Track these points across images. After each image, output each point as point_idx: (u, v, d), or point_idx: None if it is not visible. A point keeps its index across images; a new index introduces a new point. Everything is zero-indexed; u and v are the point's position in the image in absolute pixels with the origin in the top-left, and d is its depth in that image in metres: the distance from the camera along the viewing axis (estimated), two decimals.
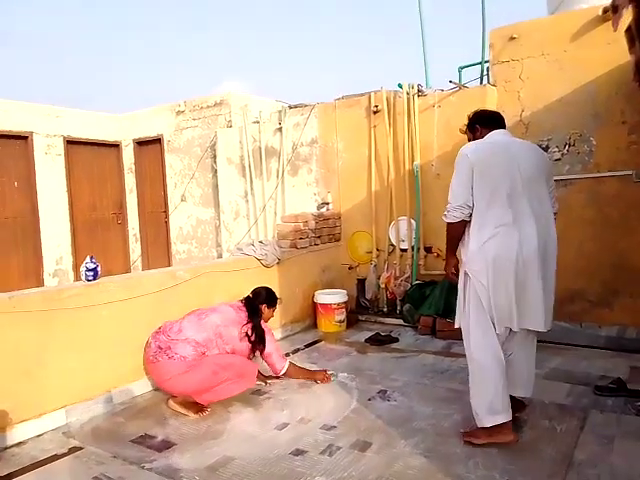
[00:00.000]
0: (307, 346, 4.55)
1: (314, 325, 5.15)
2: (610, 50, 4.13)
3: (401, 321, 5.10)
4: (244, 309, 3.42)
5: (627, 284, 4.30)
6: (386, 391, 3.37)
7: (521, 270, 2.56)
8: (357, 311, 5.53)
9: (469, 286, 2.69)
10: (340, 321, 5.02)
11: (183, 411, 3.12)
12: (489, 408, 2.55)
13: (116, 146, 8.27)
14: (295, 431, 2.84)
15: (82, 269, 3.23)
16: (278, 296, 3.72)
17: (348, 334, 4.90)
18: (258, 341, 3.35)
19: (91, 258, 3.26)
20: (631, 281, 4.28)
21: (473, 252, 2.63)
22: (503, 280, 2.56)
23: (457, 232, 2.72)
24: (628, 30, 3.26)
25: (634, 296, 4.28)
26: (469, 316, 2.68)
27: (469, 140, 2.94)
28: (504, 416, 2.54)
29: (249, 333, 3.33)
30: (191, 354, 3.10)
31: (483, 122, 2.88)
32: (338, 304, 5.01)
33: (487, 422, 2.55)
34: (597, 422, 2.80)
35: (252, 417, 3.07)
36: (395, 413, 3.03)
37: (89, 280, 3.22)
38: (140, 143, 8.16)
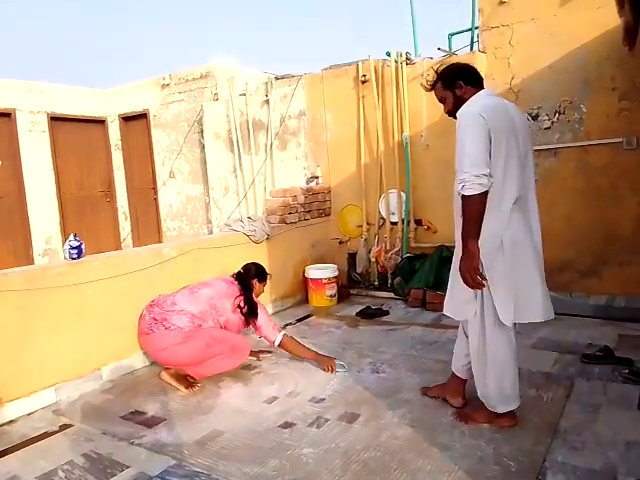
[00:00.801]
0: (298, 321, 4.56)
1: (305, 300, 5.15)
2: (600, 14, 4.03)
3: (392, 294, 5.11)
4: (236, 283, 3.43)
5: (616, 254, 4.30)
6: (375, 363, 3.39)
7: (537, 253, 2.37)
8: (348, 285, 5.53)
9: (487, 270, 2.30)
10: (331, 295, 5.02)
11: (175, 384, 3.14)
12: (505, 396, 2.44)
13: (102, 122, 8.12)
14: (284, 404, 2.86)
15: (65, 247, 3.19)
16: (268, 272, 3.69)
17: (339, 308, 4.91)
18: (250, 313, 3.34)
19: (74, 236, 3.22)
20: (620, 250, 4.28)
21: (493, 234, 2.27)
22: (526, 265, 2.31)
23: (481, 207, 2.20)
24: None
25: (623, 265, 4.29)
26: (479, 309, 2.38)
27: (442, 99, 2.54)
28: (516, 403, 2.48)
29: (241, 305, 3.32)
30: (187, 325, 3.12)
31: (468, 78, 2.46)
32: (329, 279, 5.00)
33: (501, 409, 2.46)
34: (583, 390, 2.83)
35: (242, 392, 3.08)
36: (383, 385, 3.05)
37: (73, 258, 3.19)
38: (126, 119, 8.02)
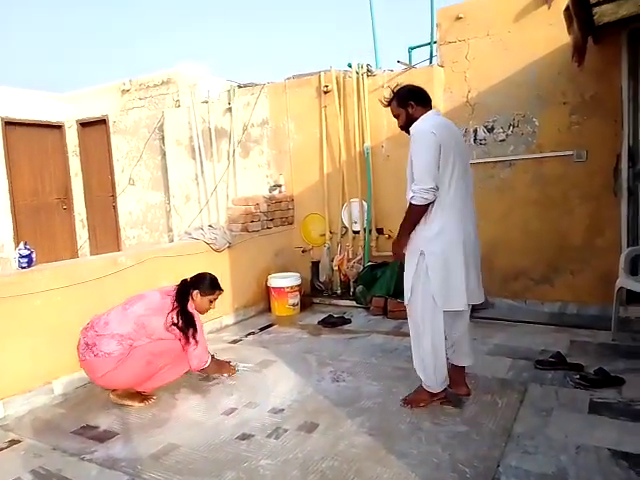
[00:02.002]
0: (261, 330, 4.52)
1: (268, 309, 5.12)
2: (552, 31, 4.21)
3: (354, 303, 5.14)
4: (173, 295, 3.08)
5: (567, 262, 4.46)
6: (335, 372, 3.39)
7: (468, 251, 2.72)
8: (311, 294, 5.53)
9: (424, 267, 2.69)
10: (294, 304, 5.01)
11: (127, 402, 3.02)
12: (439, 378, 2.77)
13: (59, 127, 7.90)
14: (242, 416, 2.82)
15: (15, 256, 3.08)
16: (217, 285, 3.26)
17: (302, 317, 4.90)
18: (187, 324, 2.99)
19: (25, 244, 3.11)
20: (571, 259, 4.44)
21: (436, 234, 2.66)
22: (459, 261, 2.67)
23: (421, 215, 2.67)
24: (566, 10, 3.31)
25: (574, 273, 4.45)
26: (423, 296, 2.71)
27: (396, 116, 2.87)
28: (447, 382, 2.83)
29: (174, 319, 2.98)
30: (116, 349, 2.87)
31: (419, 99, 2.80)
32: (291, 287, 4.98)
33: (437, 389, 2.80)
34: (536, 395, 2.89)
35: (199, 403, 3.03)
36: (343, 393, 3.04)
37: (23, 267, 3.07)
38: (84, 124, 7.82)
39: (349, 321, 4.62)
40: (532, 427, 2.53)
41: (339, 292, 5.43)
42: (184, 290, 3.13)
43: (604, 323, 3.90)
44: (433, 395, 2.82)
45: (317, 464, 2.29)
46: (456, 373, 2.94)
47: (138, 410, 2.96)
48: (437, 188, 2.61)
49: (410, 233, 2.74)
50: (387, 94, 2.95)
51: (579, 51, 3.69)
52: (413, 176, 2.68)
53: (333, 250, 5.47)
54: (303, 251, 5.66)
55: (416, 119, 2.77)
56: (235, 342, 4.20)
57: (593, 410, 2.67)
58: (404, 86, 2.92)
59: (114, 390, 3.06)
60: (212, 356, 3.27)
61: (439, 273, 2.66)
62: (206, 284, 3.18)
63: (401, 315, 4.56)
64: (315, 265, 5.60)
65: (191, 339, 3.00)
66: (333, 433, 2.57)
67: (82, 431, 2.74)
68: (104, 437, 2.65)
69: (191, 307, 3.10)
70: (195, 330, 3.03)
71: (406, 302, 2.82)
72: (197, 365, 3.09)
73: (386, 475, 2.19)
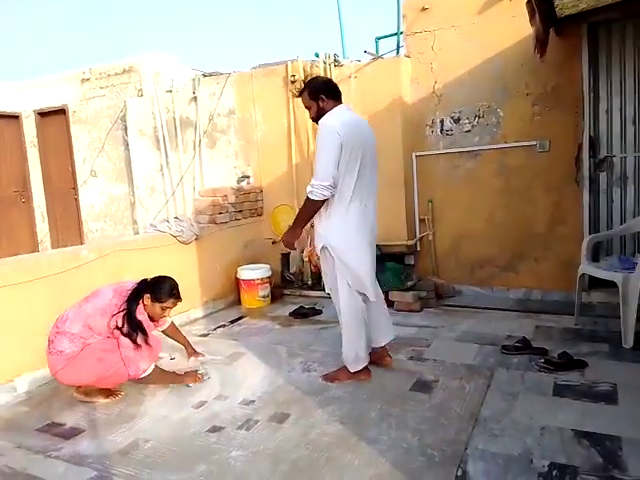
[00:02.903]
0: (231, 322, 4.48)
1: (238, 301, 5.08)
2: (515, 23, 4.27)
3: (325, 293, 5.12)
4: (126, 294, 2.93)
5: (531, 249, 4.58)
6: (306, 362, 3.39)
7: (370, 242, 2.96)
8: (282, 285, 5.50)
9: (335, 258, 2.89)
10: (264, 296, 4.98)
11: (90, 399, 2.94)
12: (357, 357, 2.99)
13: (16, 117, 7.59)
14: (212, 409, 2.79)
15: None
16: (173, 292, 3.03)
17: (272, 309, 4.88)
18: (130, 331, 2.84)
19: None
20: (535, 247, 4.56)
21: (338, 227, 2.83)
22: (364, 252, 2.90)
23: (317, 209, 2.82)
24: (529, 2, 3.37)
25: (538, 260, 4.57)
26: (339, 283, 2.91)
27: (308, 107, 2.97)
28: (365, 361, 3.02)
29: (118, 322, 2.84)
30: (68, 347, 2.82)
31: (331, 93, 2.91)
32: (262, 279, 4.95)
33: (356, 367, 3.00)
34: (503, 380, 2.96)
35: (168, 398, 2.97)
36: (314, 384, 3.05)
37: None
38: (42, 114, 7.53)
39: (320, 312, 4.63)
40: (499, 411, 2.59)
41: (310, 283, 5.42)
42: (138, 292, 2.94)
43: (567, 308, 4.02)
44: (352, 374, 3.02)
45: (288, 454, 2.29)
46: (379, 347, 3.19)
47: (105, 406, 2.89)
48: (335, 185, 2.74)
49: (304, 226, 2.91)
50: (299, 85, 3.00)
51: (541, 43, 3.76)
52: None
53: (303, 241, 5.45)
54: (273, 242, 5.63)
55: (326, 112, 2.86)
56: (205, 335, 4.15)
57: (557, 393, 2.75)
58: (316, 78, 3.06)
59: (78, 387, 2.98)
60: (156, 366, 3.06)
61: (347, 262, 2.86)
62: (160, 290, 2.96)
63: None
64: (285, 256, 5.57)
65: (134, 345, 2.85)
66: (304, 423, 2.57)
67: (47, 428, 2.66)
68: (70, 434, 2.59)
69: (140, 312, 2.91)
70: (144, 335, 2.88)
71: (328, 291, 3.06)
72: (133, 373, 2.90)
73: (357, 462, 2.20)
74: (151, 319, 3.03)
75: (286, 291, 5.40)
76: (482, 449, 2.25)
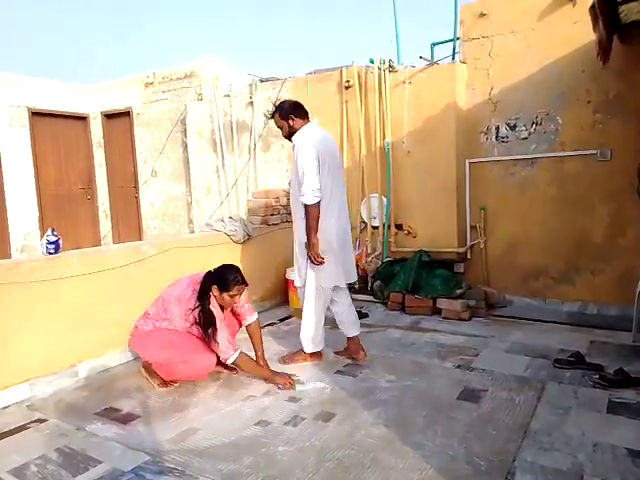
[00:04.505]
0: (280, 321, 4.57)
1: (285, 301, 5.16)
2: (577, 29, 4.16)
3: (372, 297, 5.15)
4: (196, 287, 3.08)
5: (588, 261, 4.42)
6: (352, 364, 3.42)
7: (343, 242, 3.37)
8: None
9: (304, 254, 3.30)
10: None
11: (150, 379, 3.16)
12: (314, 341, 3.40)
13: (84, 118, 8.04)
14: (260, 403, 2.87)
15: (43, 242, 3.16)
16: (238, 280, 3.08)
17: None
18: (206, 325, 3.00)
19: (52, 231, 3.19)
20: (591, 258, 4.40)
21: (322, 230, 3.21)
22: (339, 251, 3.31)
23: (318, 211, 3.18)
24: (592, 8, 3.28)
25: (595, 273, 4.41)
26: (311, 278, 3.30)
27: (280, 127, 3.36)
28: (321, 345, 3.46)
29: (196, 318, 3.02)
30: (142, 324, 3.14)
31: (300, 113, 3.31)
32: None
33: (312, 349, 3.43)
34: (554, 393, 2.89)
35: (218, 391, 3.08)
36: (360, 385, 3.08)
37: (50, 253, 3.16)
38: (108, 116, 7.95)
39: (366, 315, 4.64)
40: (549, 424, 2.53)
41: (357, 287, 5.44)
42: (205, 286, 3.06)
43: (624, 324, 3.86)
44: (308, 356, 3.44)
45: (333, 452, 2.33)
46: (351, 342, 3.52)
47: (159, 395, 3.03)
48: (321, 189, 3.15)
49: (317, 232, 3.19)
50: (270, 108, 3.51)
51: (604, 49, 3.66)
52: (300, 180, 3.19)
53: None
54: None
55: (297, 130, 3.28)
56: None
57: (611, 410, 2.66)
58: (285, 101, 3.46)
59: (145, 362, 3.20)
60: (244, 354, 3.10)
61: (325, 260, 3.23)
62: (224, 280, 3.05)
63: (419, 311, 4.59)
64: None
65: (212, 338, 2.98)
66: (349, 423, 2.60)
67: (105, 413, 2.81)
68: (127, 419, 2.73)
69: (213, 305, 3.04)
70: (215, 329, 2.98)
71: (299, 284, 3.42)
72: (223, 357, 3.03)
73: (401, 465, 2.21)
74: (223, 309, 3.15)
75: None
76: (531, 461, 2.21)
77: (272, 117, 3.41)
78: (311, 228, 3.17)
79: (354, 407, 2.79)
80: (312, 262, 3.23)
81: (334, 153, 3.37)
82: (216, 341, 2.98)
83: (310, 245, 3.20)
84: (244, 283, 3.11)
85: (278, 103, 3.42)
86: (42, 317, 3.11)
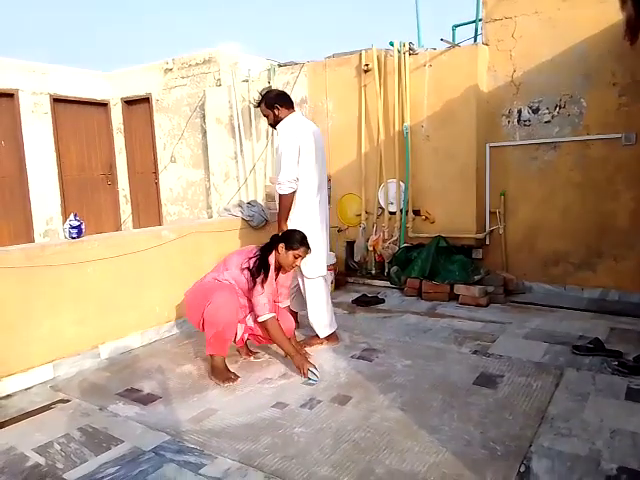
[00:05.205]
0: None
1: None
2: (602, 9, 4.05)
3: (388, 283, 5.15)
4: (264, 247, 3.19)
5: (610, 247, 4.35)
6: (368, 349, 3.44)
7: (324, 228, 3.51)
8: (345, 273, 5.57)
9: None
10: None
11: (213, 379, 3.02)
12: (327, 324, 3.50)
13: (104, 105, 8.12)
14: (277, 386, 2.91)
15: (66, 226, 3.23)
16: (306, 243, 3.14)
17: (336, 295, 4.94)
18: (257, 270, 3.02)
19: (75, 215, 3.25)
20: (614, 244, 4.32)
21: (302, 217, 3.37)
22: (320, 237, 3.44)
23: (290, 202, 3.35)
24: None
25: (617, 259, 4.33)
26: (311, 267, 3.42)
27: (266, 116, 3.47)
28: (335, 326, 3.56)
29: (250, 263, 3.05)
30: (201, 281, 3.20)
31: (285, 103, 3.42)
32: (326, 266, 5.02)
33: (327, 333, 3.51)
34: (572, 380, 2.87)
35: (236, 372, 3.11)
36: (375, 369, 3.09)
37: (73, 237, 3.22)
38: (129, 102, 8.01)
39: (383, 301, 4.65)
40: (567, 410, 2.52)
41: (373, 272, 5.45)
42: (271, 242, 3.18)
43: None
44: (325, 339, 3.53)
45: (350, 434, 2.35)
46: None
47: (179, 376, 3.09)
48: (297, 180, 3.28)
49: (287, 219, 3.38)
50: (257, 96, 3.62)
51: (632, 29, 3.54)
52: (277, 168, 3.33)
53: (368, 230, 5.49)
54: (339, 230, 5.70)
55: (282, 119, 3.40)
56: None
57: (630, 397, 2.63)
58: (271, 90, 3.61)
59: (212, 368, 3.08)
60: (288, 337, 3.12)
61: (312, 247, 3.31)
62: (293, 239, 3.13)
63: (436, 297, 4.57)
64: (350, 245, 5.63)
65: (258, 285, 3.01)
66: (365, 406, 2.62)
67: (127, 393, 2.88)
68: (147, 400, 2.79)
69: (272, 259, 3.12)
70: (265, 278, 3.04)
71: (308, 275, 3.45)
72: (257, 312, 3.02)
73: (417, 448, 2.23)
74: (279, 272, 3.20)
75: (349, 279, 5.46)
76: (548, 447, 2.21)
77: (258, 106, 3.54)
78: (282, 217, 3.37)
79: (370, 390, 2.81)
80: None
81: (318, 143, 3.45)
82: (258, 292, 3.00)
83: (279, 230, 3.38)
84: (310, 248, 3.21)
85: (264, 92, 3.55)
86: (65, 300, 3.18)
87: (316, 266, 3.43)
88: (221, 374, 3.01)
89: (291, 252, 3.11)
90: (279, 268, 3.19)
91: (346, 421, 2.48)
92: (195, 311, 3.06)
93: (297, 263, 3.19)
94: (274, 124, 3.47)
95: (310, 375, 2.92)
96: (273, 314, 3.04)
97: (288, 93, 3.65)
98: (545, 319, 3.97)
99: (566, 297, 4.50)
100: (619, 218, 4.29)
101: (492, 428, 2.37)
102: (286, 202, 3.33)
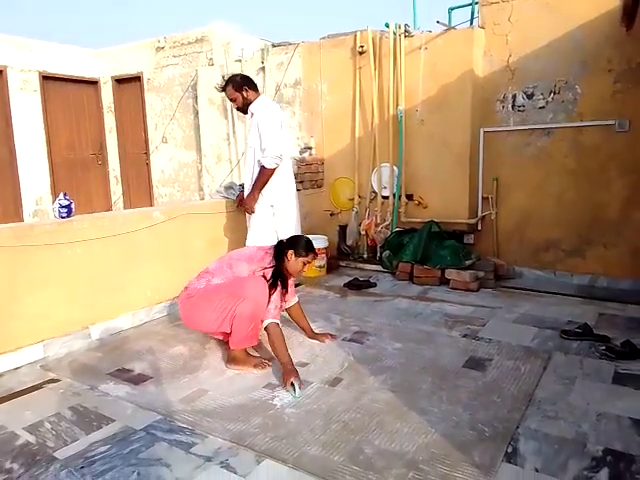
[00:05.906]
0: None
1: None
2: None
3: (380, 267, 5.16)
4: (270, 252, 3.12)
5: (601, 235, 4.38)
6: (359, 332, 3.46)
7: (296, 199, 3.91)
8: (338, 257, 5.57)
9: (270, 215, 3.72)
10: (320, 266, 5.07)
11: (241, 368, 2.93)
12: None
13: (94, 83, 7.98)
14: (268, 367, 2.92)
15: (55, 206, 3.19)
16: (312, 249, 3.16)
17: (328, 279, 4.96)
18: (272, 284, 2.99)
19: (64, 195, 3.21)
20: (605, 232, 4.36)
21: (284, 190, 3.69)
22: (295, 209, 3.83)
23: (270, 176, 3.56)
24: None
25: (607, 246, 4.37)
26: (268, 236, 3.62)
27: (233, 99, 3.64)
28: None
29: (267, 276, 2.99)
30: (199, 284, 3.02)
31: (252, 85, 3.62)
32: (319, 249, 4.99)
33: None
34: (560, 364, 2.90)
35: (227, 353, 3.12)
36: (366, 352, 3.11)
37: (62, 217, 3.19)
38: (119, 81, 7.88)
39: (374, 285, 4.66)
40: (554, 393, 2.55)
41: (365, 256, 5.46)
42: (280, 250, 3.11)
43: (635, 297, 3.85)
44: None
45: (340, 415, 2.37)
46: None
47: (170, 357, 3.09)
48: (282, 157, 3.51)
49: (261, 190, 3.61)
50: (220, 82, 3.73)
51: (629, 15, 3.53)
52: (261, 145, 3.52)
53: (361, 214, 5.48)
54: (331, 214, 5.69)
55: (252, 101, 3.59)
56: None
57: (617, 381, 2.67)
58: (236, 74, 3.71)
59: (229, 356, 3.02)
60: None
61: (284, 215, 3.71)
62: (301, 246, 3.10)
63: (428, 281, 4.59)
64: (342, 229, 5.63)
65: (272, 295, 2.96)
66: (356, 388, 2.64)
67: (117, 373, 2.88)
68: (138, 380, 2.79)
69: (284, 268, 3.10)
70: (286, 290, 3.08)
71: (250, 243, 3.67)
72: (263, 316, 2.94)
73: (406, 429, 2.25)
74: (288, 278, 3.15)
75: (342, 263, 5.46)
76: (535, 429, 2.24)
77: (223, 90, 3.65)
78: (257, 187, 3.61)
79: (360, 373, 2.83)
80: (245, 210, 3.78)
81: (285, 124, 3.73)
82: (272, 300, 2.95)
83: (251, 198, 3.66)
84: (317, 254, 3.38)
85: (228, 77, 3.68)
86: (55, 280, 3.16)
87: (286, 230, 3.65)
88: (249, 361, 2.95)
89: (300, 259, 3.10)
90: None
91: (336, 402, 2.50)
92: (210, 316, 2.92)
93: (306, 269, 3.23)
94: (243, 106, 3.63)
95: (290, 390, 2.63)
96: (277, 320, 2.95)
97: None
98: (535, 304, 4.00)
99: (556, 283, 4.54)
100: (610, 206, 4.32)
101: (480, 410, 2.40)
102: (267, 176, 3.55)
